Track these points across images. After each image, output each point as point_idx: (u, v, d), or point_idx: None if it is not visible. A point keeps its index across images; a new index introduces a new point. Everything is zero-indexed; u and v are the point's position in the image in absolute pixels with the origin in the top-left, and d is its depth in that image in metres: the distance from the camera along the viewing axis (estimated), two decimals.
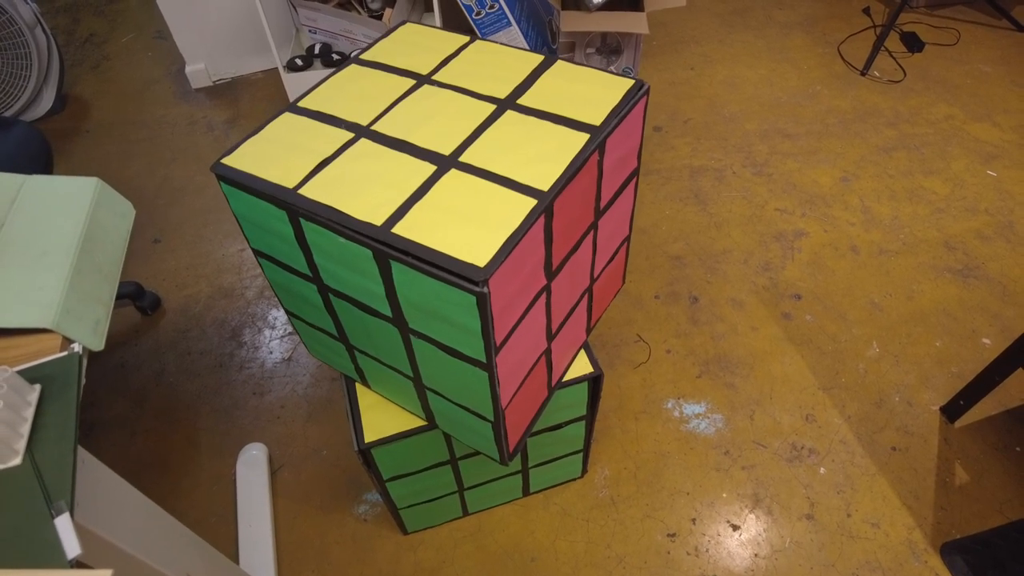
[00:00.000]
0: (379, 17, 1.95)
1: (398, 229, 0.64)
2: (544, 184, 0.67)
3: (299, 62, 1.99)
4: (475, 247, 0.62)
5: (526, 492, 1.25)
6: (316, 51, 2.03)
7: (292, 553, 1.22)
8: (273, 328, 1.57)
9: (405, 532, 1.22)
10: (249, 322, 1.59)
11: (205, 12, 2.15)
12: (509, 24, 1.87)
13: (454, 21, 2.14)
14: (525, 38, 1.92)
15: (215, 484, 1.31)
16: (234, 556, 1.20)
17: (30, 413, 0.57)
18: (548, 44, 2.03)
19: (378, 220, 0.64)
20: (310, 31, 2.06)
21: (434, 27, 0.92)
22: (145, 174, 1.99)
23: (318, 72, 1.99)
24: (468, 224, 0.64)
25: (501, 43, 0.88)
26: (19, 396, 0.56)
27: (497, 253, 0.61)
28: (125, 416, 1.43)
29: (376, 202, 0.66)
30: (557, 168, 0.69)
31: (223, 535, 1.24)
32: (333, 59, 1.99)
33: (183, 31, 2.19)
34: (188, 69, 2.28)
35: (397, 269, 0.65)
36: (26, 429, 0.56)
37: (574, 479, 1.29)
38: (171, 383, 1.49)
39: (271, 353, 1.52)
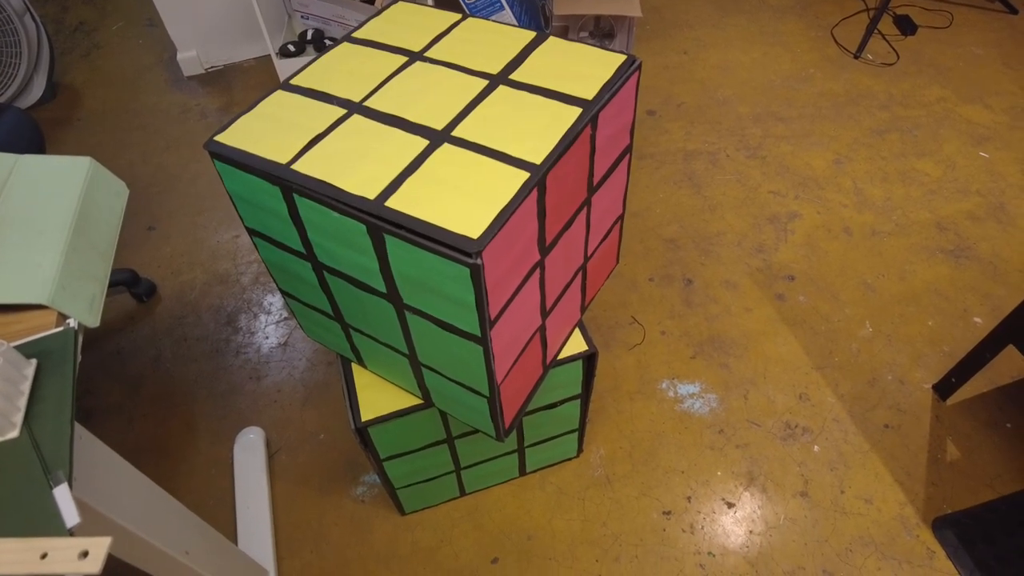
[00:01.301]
0: (371, 2, 1.94)
1: (391, 202, 0.64)
2: (537, 157, 0.68)
3: (292, 48, 1.98)
4: (468, 219, 0.62)
5: (522, 472, 1.26)
6: (308, 37, 2.02)
7: (290, 535, 1.23)
8: (269, 313, 1.58)
9: (403, 512, 1.23)
10: (245, 308, 1.59)
11: None
12: (502, 7, 1.87)
13: (447, 4, 2.13)
14: (518, 21, 1.91)
15: (213, 468, 1.32)
16: (233, 539, 1.21)
17: (27, 387, 0.57)
18: (541, 28, 2.02)
19: (371, 194, 0.65)
20: (302, 17, 2.05)
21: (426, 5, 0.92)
22: (139, 162, 1.98)
23: (311, 58, 1.98)
24: (461, 197, 0.64)
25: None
26: (16, 370, 0.57)
27: (490, 225, 0.62)
28: (122, 403, 1.44)
29: (369, 176, 0.66)
30: (549, 142, 0.69)
31: (222, 519, 1.25)
32: (326, 44, 1.98)
33: (174, 18, 2.18)
34: (180, 56, 2.27)
35: (391, 243, 0.65)
36: (23, 402, 0.57)
37: (570, 459, 1.30)
38: (168, 369, 1.49)
39: (267, 338, 1.53)
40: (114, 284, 1.57)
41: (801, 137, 1.97)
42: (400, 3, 0.92)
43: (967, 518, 1.22)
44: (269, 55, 2.20)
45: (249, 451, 1.31)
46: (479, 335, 0.70)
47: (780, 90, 2.13)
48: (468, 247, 0.60)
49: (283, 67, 1.99)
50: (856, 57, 2.22)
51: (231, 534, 1.22)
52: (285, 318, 1.57)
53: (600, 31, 1.94)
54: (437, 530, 1.22)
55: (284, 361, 1.48)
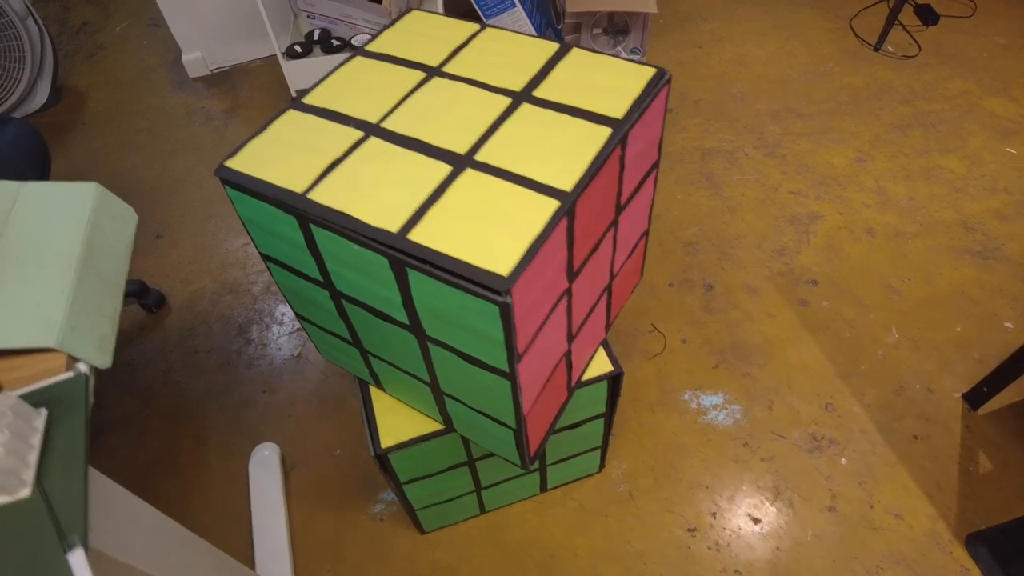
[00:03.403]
0: (378, 1, 1.89)
1: (415, 235, 0.60)
2: (566, 184, 0.64)
3: (298, 49, 1.94)
4: (496, 254, 0.59)
5: (543, 488, 1.24)
6: (315, 37, 1.97)
7: (308, 554, 1.20)
8: (281, 324, 1.55)
9: (422, 531, 1.20)
10: (256, 318, 1.56)
11: None
12: (513, 5, 1.82)
13: (456, 2, 2.08)
14: (530, 19, 1.86)
15: (227, 485, 1.30)
16: (249, 559, 1.19)
17: (37, 440, 0.55)
18: (553, 25, 1.97)
19: (394, 226, 0.61)
20: (308, 16, 2.00)
21: (437, 13, 0.88)
22: (144, 167, 1.95)
23: (317, 59, 1.94)
24: (488, 229, 0.61)
25: (506, 27, 0.83)
26: (25, 423, 0.54)
27: (520, 260, 0.58)
28: (133, 416, 1.41)
29: (390, 206, 0.63)
30: (579, 166, 0.65)
31: (237, 538, 1.23)
32: (333, 45, 1.94)
33: (178, 18, 2.14)
34: (185, 58, 2.23)
35: (414, 277, 0.62)
36: (34, 457, 0.54)
37: (591, 474, 1.27)
38: (179, 382, 1.46)
39: (279, 350, 1.50)
40: (123, 296, 1.55)
41: (821, 134, 1.91)
42: (415, 12, 0.88)
43: (1001, 534, 1.18)
44: (275, 55, 2.16)
45: (264, 468, 1.29)
46: (507, 370, 0.67)
47: (798, 85, 2.07)
48: (498, 285, 0.57)
49: (290, 69, 1.95)
50: (876, 49, 2.16)
51: (248, 554, 1.20)
52: (297, 329, 1.54)
53: (614, 27, 1.89)
54: (457, 549, 1.20)
55: (297, 373, 1.46)
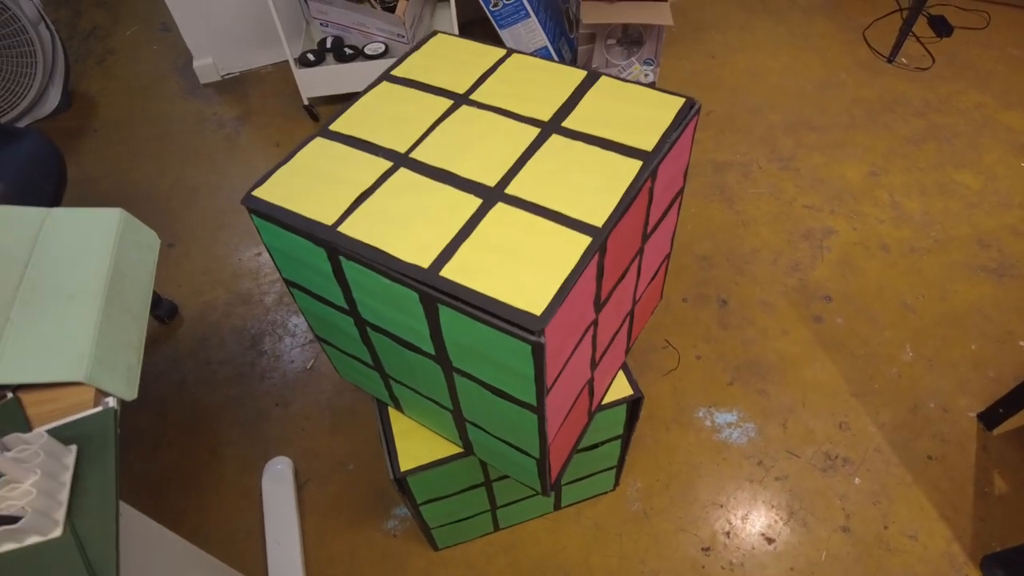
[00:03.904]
0: (392, 10, 1.89)
1: (447, 272, 0.60)
2: (598, 219, 0.64)
3: (311, 57, 1.93)
4: (529, 292, 0.58)
5: (557, 507, 1.23)
6: (328, 45, 1.97)
7: (322, 571, 1.20)
8: (293, 336, 1.55)
9: (436, 548, 1.20)
10: (269, 330, 1.56)
11: (212, 3, 2.09)
12: (527, 16, 1.81)
13: (469, 12, 2.08)
14: (543, 29, 1.86)
15: (241, 500, 1.29)
16: (264, 575, 1.19)
17: (68, 477, 0.54)
18: (566, 35, 1.96)
19: (425, 262, 0.61)
20: (321, 24, 2.00)
21: (453, 33, 0.87)
22: (157, 176, 1.95)
23: (330, 67, 1.94)
24: (520, 265, 0.60)
25: (520, 37, 0.83)
26: (56, 461, 0.54)
27: (553, 299, 0.58)
28: (148, 428, 1.41)
29: (421, 241, 0.63)
30: (610, 201, 0.65)
31: (251, 554, 1.22)
32: (346, 53, 1.93)
33: (189, 23, 2.13)
34: (196, 63, 2.22)
35: (445, 313, 0.61)
36: (65, 495, 0.54)
37: (606, 492, 1.27)
38: (193, 393, 1.46)
39: (292, 362, 1.50)
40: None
41: (835, 147, 1.91)
42: (440, 35, 0.88)
43: (1017, 556, 1.18)
44: (286, 60, 2.15)
45: (278, 482, 1.29)
46: (535, 404, 0.66)
47: (812, 97, 2.07)
48: (531, 324, 0.57)
49: (302, 77, 1.95)
50: (890, 61, 2.15)
51: (262, 570, 1.20)
52: (310, 340, 1.54)
53: (628, 38, 1.89)
54: (472, 567, 1.19)
55: (310, 386, 1.46)
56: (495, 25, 1.84)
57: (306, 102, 2.02)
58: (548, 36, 1.87)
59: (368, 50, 1.94)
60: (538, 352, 0.58)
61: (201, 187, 1.91)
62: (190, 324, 1.59)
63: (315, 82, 1.97)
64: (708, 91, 2.10)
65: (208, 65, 2.22)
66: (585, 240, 0.62)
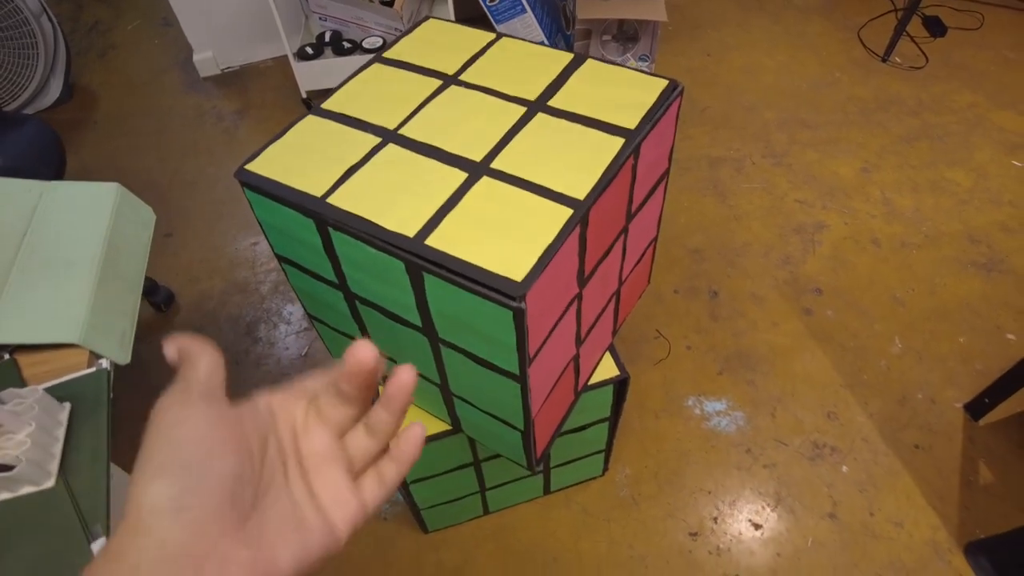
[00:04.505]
0: (390, 4, 1.91)
1: (432, 241, 0.62)
2: (580, 192, 0.65)
3: (309, 51, 1.95)
4: (511, 260, 0.60)
5: (547, 491, 1.25)
6: (327, 39, 1.99)
7: None
8: (288, 324, 1.56)
9: (426, 531, 1.21)
10: (264, 317, 1.58)
11: None
12: (524, 11, 1.84)
13: (468, 8, 2.10)
14: (540, 25, 1.88)
15: None
16: None
17: (61, 433, 0.56)
18: (563, 31, 1.99)
19: (410, 231, 0.63)
20: (320, 18, 2.02)
21: (449, 19, 0.89)
22: (156, 167, 1.97)
23: (328, 61, 1.96)
24: (503, 235, 0.62)
25: (517, 32, 0.85)
26: (50, 416, 0.55)
27: (534, 266, 0.59)
28: (144, 415, 1.42)
29: (407, 212, 0.64)
30: (592, 175, 0.67)
31: None
32: (344, 47, 1.95)
33: (190, 18, 2.16)
34: (196, 57, 2.25)
35: (430, 281, 0.63)
36: (58, 449, 0.55)
37: (595, 477, 1.28)
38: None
39: (287, 349, 1.52)
40: None
41: (828, 144, 1.93)
42: (432, 20, 0.90)
43: (1001, 544, 1.19)
44: (286, 55, 2.17)
45: None
46: (517, 373, 0.68)
47: (806, 95, 2.09)
48: (512, 290, 0.58)
49: (301, 70, 1.97)
50: (884, 60, 2.18)
51: None
52: (305, 328, 1.55)
53: (624, 34, 1.91)
54: (461, 550, 1.21)
55: (304, 373, 1.47)
56: (492, 20, 1.87)
57: (304, 95, 2.04)
58: (544, 32, 1.89)
59: (366, 44, 1.96)
60: (519, 318, 0.59)
61: (199, 179, 1.93)
62: (186, 312, 1.61)
63: (313, 75, 1.99)
64: (703, 88, 2.12)
65: (208, 59, 2.25)
66: (567, 212, 0.64)
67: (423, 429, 0.36)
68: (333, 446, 0.33)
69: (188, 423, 0.27)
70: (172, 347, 0.30)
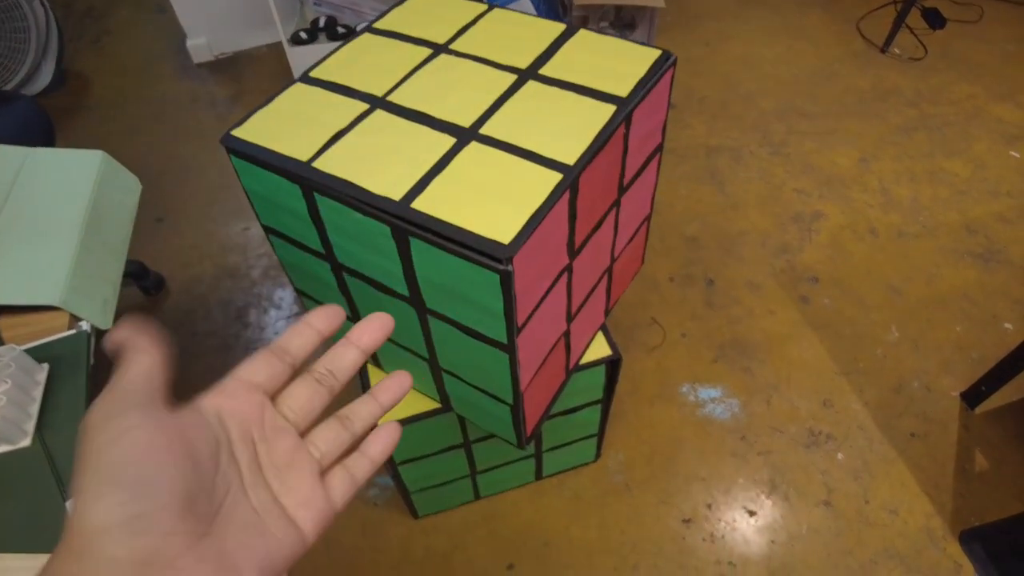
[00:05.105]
0: None
1: (417, 204, 0.60)
2: (569, 158, 0.64)
3: (303, 36, 1.94)
4: (498, 223, 0.59)
5: (539, 476, 1.24)
6: (321, 24, 1.98)
7: None
8: (279, 308, 1.55)
9: (416, 516, 1.20)
10: (255, 302, 1.56)
11: None
12: None
13: None
14: (536, 11, 1.86)
15: None
16: None
17: (39, 393, 0.55)
18: (560, 17, 1.97)
19: (396, 195, 0.61)
20: (315, 3, 2.01)
21: None
22: (148, 152, 1.95)
23: (323, 46, 1.94)
24: (490, 199, 0.61)
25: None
26: (27, 376, 0.54)
27: (522, 230, 0.58)
28: None
29: (394, 176, 0.63)
30: (583, 141, 0.65)
31: None
32: (338, 32, 1.94)
33: (184, 4, 2.14)
34: (189, 43, 2.23)
35: (416, 246, 0.62)
36: (35, 410, 0.54)
37: (587, 463, 1.27)
38: (177, 363, 1.46)
39: (277, 334, 1.50)
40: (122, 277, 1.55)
41: (826, 134, 1.92)
42: None
43: (996, 531, 1.18)
44: (280, 43, 2.16)
45: None
46: (505, 342, 0.67)
47: (805, 85, 2.08)
48: (499, 252, 0.57)
49: (295, 55, 1.95)
50: (883, 52, 2.17)
51: None
52: (296, 313, 1.54)
53: (621, 21, 1.90)
54: (452, 535, 1.19)
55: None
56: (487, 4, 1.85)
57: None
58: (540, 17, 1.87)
59: (360, 29, 1.95)
60: (506, 281, 0.58)
61: (192, 164, 1.91)
62: (176, 296, 1.59)
63: (307, 60, 1.97)
64: (701, 77, 2.11)
65: (202, 45, 2.23)
66: (556, 176, 0.62)
67: (399, 429, 0.35)
68: (297, 445, 0.31)
69: (125, 438, 0.25)
70: (112, 339, 0.28)
